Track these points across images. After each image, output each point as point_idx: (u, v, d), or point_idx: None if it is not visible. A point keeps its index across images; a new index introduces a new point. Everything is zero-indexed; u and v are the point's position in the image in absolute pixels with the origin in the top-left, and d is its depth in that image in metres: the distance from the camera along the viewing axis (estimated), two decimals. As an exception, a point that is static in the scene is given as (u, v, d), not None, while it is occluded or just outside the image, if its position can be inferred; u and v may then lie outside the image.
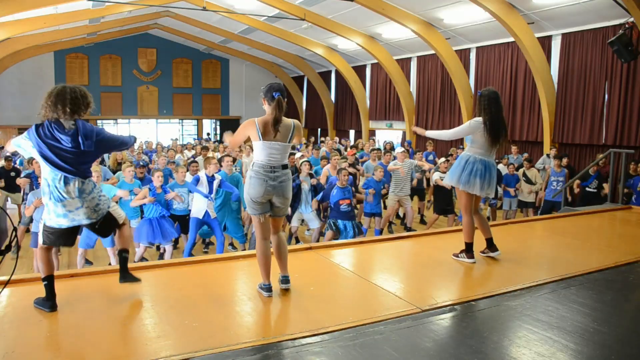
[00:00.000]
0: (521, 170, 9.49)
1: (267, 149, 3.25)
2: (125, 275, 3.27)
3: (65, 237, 3.10)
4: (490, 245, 4.31)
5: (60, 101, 2.91)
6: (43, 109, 2.93)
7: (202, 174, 6.81)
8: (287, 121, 3.31)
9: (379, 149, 10.46)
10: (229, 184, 6.90)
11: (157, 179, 6.69)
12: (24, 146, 2.97)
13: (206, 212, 6.70)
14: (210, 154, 10.76)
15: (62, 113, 2.91)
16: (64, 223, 3.01)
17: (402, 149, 9.38)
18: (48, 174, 2.96)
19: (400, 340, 2.79)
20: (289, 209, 3.54)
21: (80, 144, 2.92)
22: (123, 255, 3.28)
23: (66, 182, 2.95)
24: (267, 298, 3.31)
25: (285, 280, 3.41)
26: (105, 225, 3.17)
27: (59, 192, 2.95)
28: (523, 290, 3.57)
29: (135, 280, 3.30)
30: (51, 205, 2.98)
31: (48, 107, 2.91)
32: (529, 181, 9.27)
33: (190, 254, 6.83)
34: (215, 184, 6.72)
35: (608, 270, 4.08)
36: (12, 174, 9.43)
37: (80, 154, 2.95)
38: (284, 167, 3.31)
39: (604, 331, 2.97)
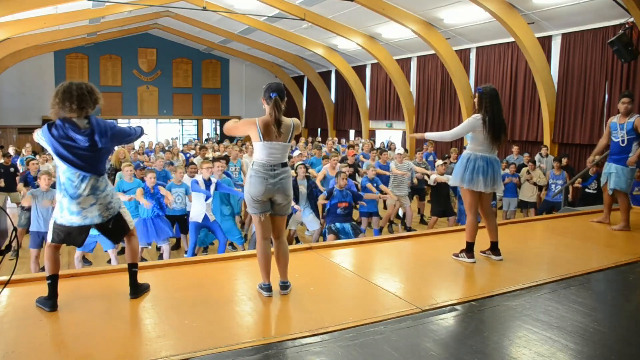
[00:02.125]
0: (524, 170, 9.48)
1: (267, 149, 3.26)
2: (136, 290, 3.26)
3: (74, 235, 3.09)
4: (494, 249, 4.29)
5: (68, 99, 2.92)
6: (52, 107, 2.95)
7: (199, 178, 6.75)
8: (287, 120, 3.31)
9: (379, 150, 10.49)
10: (225, 185, 6.79)
11: (149, 180, 6.67)
12: (42, 142, 3.02)
13: (205, 216, 6.63)
14: (209, 154, 10.76)
15: (69, 110, 2.92)
16: (76, 221, 3.01)
17: (402, 149, 9.39)
18: (64, 172, 2.98)
19: (400, 340, 2.79)
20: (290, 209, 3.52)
21: (97, 142, 2.94)
22: (133, 270, 3.25)
23: (82, 179, 2.98)
24: (267, 298, 3.31)
25: (284, 286, 3.41)
26: (117, 226, 3.16)
27: (75, 189, 2.97)
28: (523, 290, 3.57)
29: (146, 290, 3.33)
30: (65, 202, 3.00)
31: (57, 105, 2.93)
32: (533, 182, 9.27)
33: (194, 254, 6.82)
34: (212, 187, 6.67)
35: (608, 270, 4.08)
36: (12, 169, 9.47)
37: (96, 152, 2.98)
38: (284, 165, 3.32)
39: (604, 331, 2.97)
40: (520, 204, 9.53)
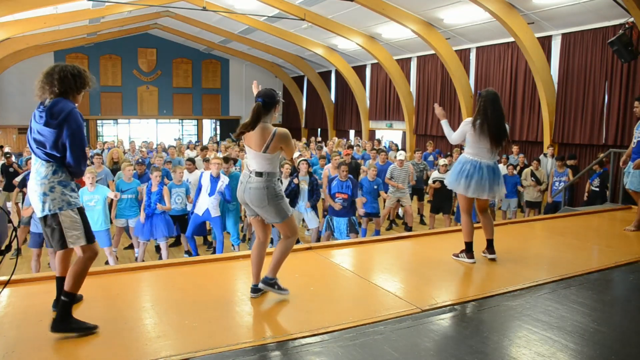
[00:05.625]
0: (528, 170, 9.45)
1: (247, 153, 3.28)
2: (59, 325, 2.69)
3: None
4: (489, 247, 4.29)
5: (49, 82, 2.72)
6: (36, 89, 2.76)
7: (206, 174, 6.94)
8: (268, 128, 3.14)
9: (381, 150, 10.51)
10: (228, 195, 6.86)
11: (154, 178, 6.80)
12: None
13: (206, 210, 6.76)
14: (211, 154, 10.80)
15: (50, 94, 2.72)
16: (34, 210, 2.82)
17: (404, 153, 9.48)
18: None
19: (400, 340, 2.79)
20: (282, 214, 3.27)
21: (45, 120, 2.67)
22: (62, 299, 2.73)
23: (35, 158, 2.78)
24: (253, 299, 3.30)
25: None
26: (51, 231, 2.73)
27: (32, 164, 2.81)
28: (523, 290, 3.57)
29: (81, 331, 2.73)
30: None
31: (39, 89, 2.75)
32: (537, 182, 9.25)
33: (193, 240, 7.02)
34: (219, 184, 6.78)
35: (608, 270, 4.08)
36: (11, 169, 9.59)
37: (44, 133, 2.68)
38: (258, 174, 3.17)
39: (604, 331, 2.97)
40: (527, 203, 9.52)
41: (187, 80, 23.84)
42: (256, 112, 3.09)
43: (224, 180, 6.80)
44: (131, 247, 7.77)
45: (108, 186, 7.26)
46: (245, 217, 8.12)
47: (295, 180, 7.24)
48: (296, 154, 10.81)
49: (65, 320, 2.71)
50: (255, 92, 3.34)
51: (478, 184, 4.03)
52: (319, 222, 7.74)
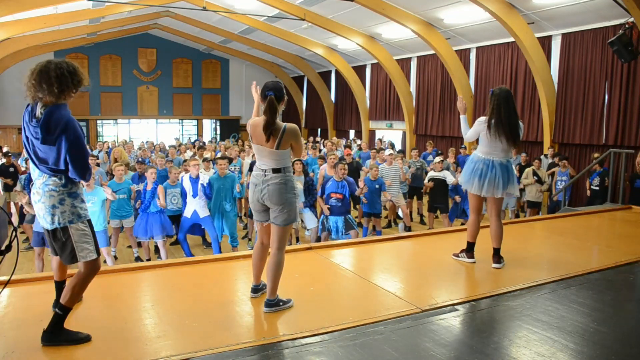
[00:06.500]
0: (530, 169, 9.43)
1: (256, 153, 3.17)
2: (50, 336, 2.60)
3: (49, 240, 2.76)
4: (494, 255, 4.13)
5: (45, 80, 2.51)
6: (28, 90, 2.56)
7: (185, 177, 6.99)
8: (278, 124, 3.06)
9: (379, 149, 10.51)
10: (208, 190, 6.87)
11: (150, 176, 6.85)
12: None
13: (194, 212, 6.81)
14: (207, 155, 10.81)
15: (48, 93, 2.52)
16: (39, 220, 2.71)
17: (391, 151, 9.47)
18: None
19: (400, 340, 2.79)
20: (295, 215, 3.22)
21: (42, 137, 2.52)
22: (56, 312, 2.65)
23: (37, 171, 2.65)
24: (253, 299, 3.30)
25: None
26: (61, 244, 2.64)
27: (34, 176, 2.68)
28: (523, 290, 3.57)
29: (74, 342, 2.64)
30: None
31: (32, 87, 2.54)
32: (539, 181, 9.24)
33: (186, 242, 7.07)
34: (199, 185, 6.81)
35: (608, 270, 4.08)
36: (11, 169, 9.62)
37: (43, 149, 2.56)
38: (276, 170, 3.09)
39: (604, 331, 2.97)
40: (528, 203, 9.51)
41: (187, 80, 23.84)
42: (272, 106, 3.01)
43: (203, 179, 6.85)
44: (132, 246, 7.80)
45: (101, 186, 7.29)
46: (248, 217, 8.13)
47: (298, 184, 7.23)
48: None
49: (56, 332, 2.63)
50: (254, 95, 3.28)
51: (492, 182, 3.99)
52: (317, 222, 7.74)
